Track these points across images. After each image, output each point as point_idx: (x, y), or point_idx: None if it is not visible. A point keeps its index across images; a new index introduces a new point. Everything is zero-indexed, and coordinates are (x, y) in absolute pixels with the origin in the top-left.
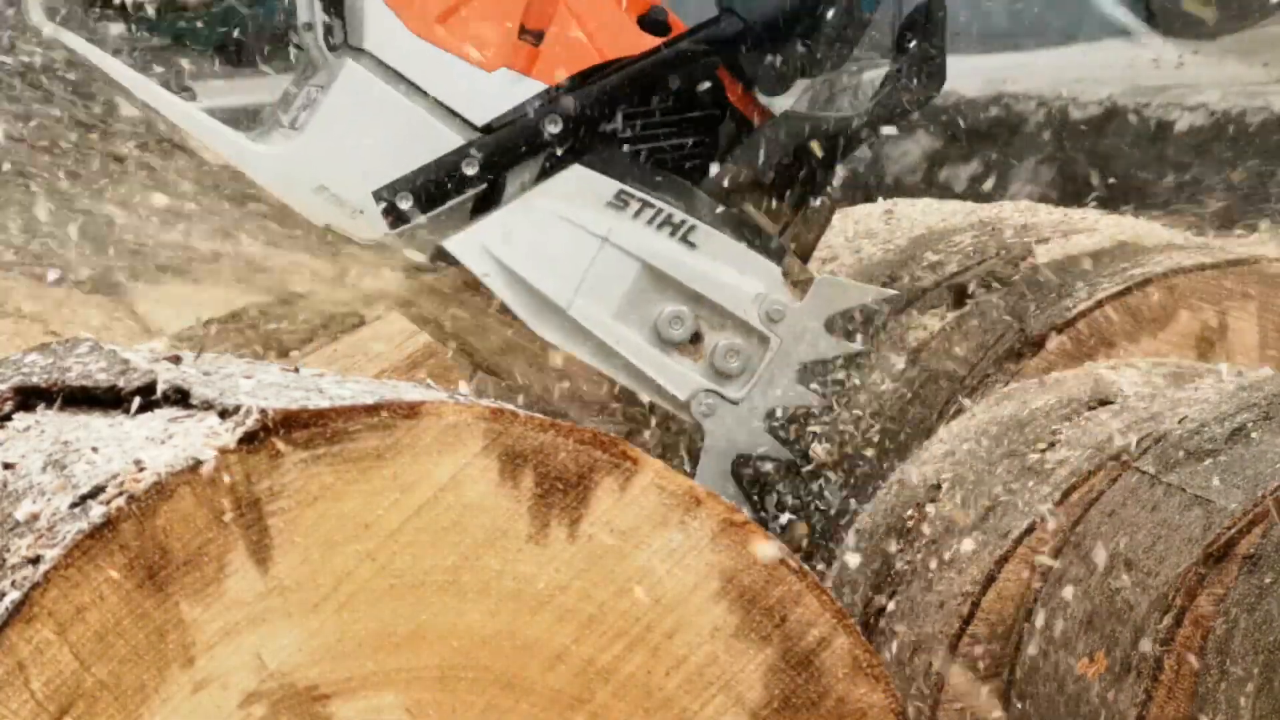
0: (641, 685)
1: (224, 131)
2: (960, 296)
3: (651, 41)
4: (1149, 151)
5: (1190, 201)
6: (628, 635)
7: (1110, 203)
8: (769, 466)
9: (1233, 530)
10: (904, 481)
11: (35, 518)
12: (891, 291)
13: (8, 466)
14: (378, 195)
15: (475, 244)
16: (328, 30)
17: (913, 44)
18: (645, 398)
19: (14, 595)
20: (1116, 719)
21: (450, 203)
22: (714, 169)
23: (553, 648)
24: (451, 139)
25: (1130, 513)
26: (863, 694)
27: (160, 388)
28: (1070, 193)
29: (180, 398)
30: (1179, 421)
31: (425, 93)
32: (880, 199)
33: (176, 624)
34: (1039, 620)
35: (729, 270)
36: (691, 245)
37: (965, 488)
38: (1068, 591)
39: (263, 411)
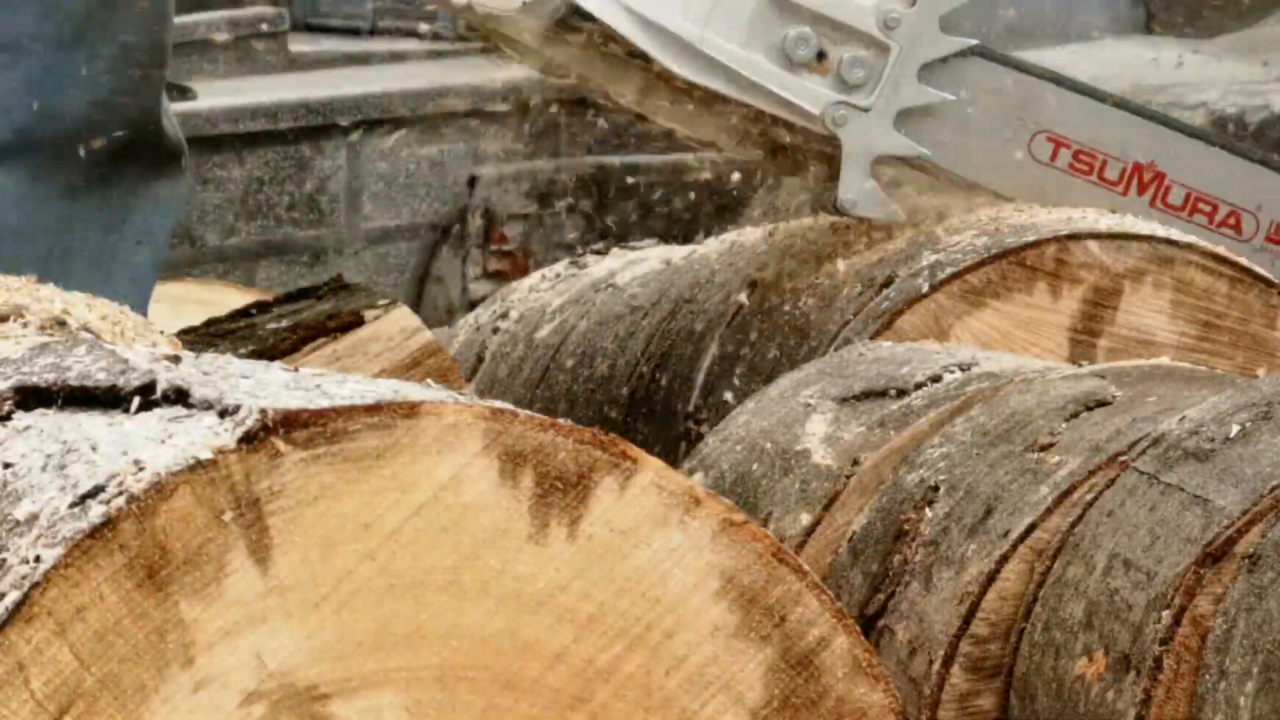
0: (641, 685)
1: None
2: None
3: None
4: None
5: None
6: (627, 635)
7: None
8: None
9: (1232, 530)
10: (901, 483)
11: (35, 518)
12: None
13: (7, 466)
14: None
15: None
16: None
17: None
18: (782, 115)
19: (14, 595)
20: (1116, 719)
21: None
22: None
23: (553, 648)
24: None
25: (1129, 513)
26: (863, 694)
27: (160, 387)
28: None
29: (180, 397)
30: (1178, 421)
31: None
32: None
33: (176, 624)
34: (1039, 620)
35: None
36: None
37: (964, 488)
38: (1067, 592)
39: (263, 411)
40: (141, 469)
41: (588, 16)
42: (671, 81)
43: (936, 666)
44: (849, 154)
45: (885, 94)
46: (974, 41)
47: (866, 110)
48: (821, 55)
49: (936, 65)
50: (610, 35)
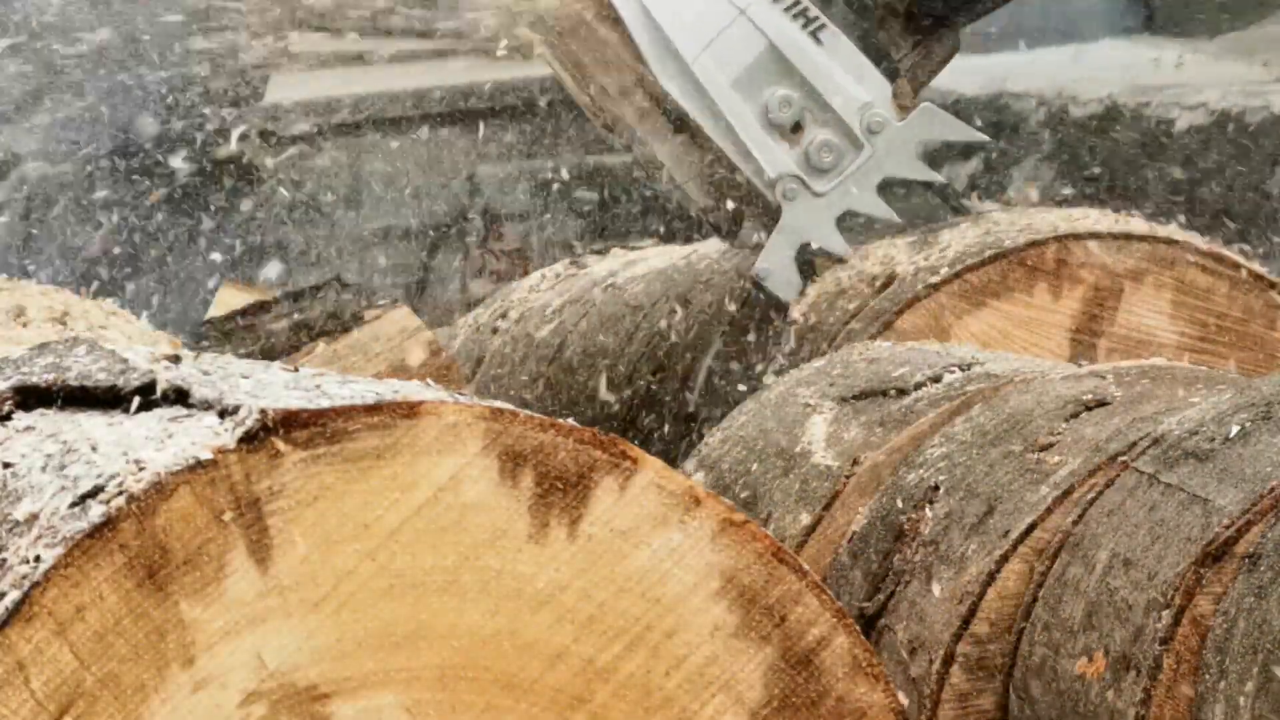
0: (641, 685)
1: None
2: None
3: None
4: (1149, 151)
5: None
6: (627, 635)
7: (1110, 202)
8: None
9: (1231, 530)
10: (901, 483)
11: (35, 517)
12: (985, 138)
13: (7, 466)
14: None
15: None
16: None
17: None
18: (738, 164)
19: (14, 595)
20: (1116, 719)
21: None
22: None
23: (553, 647)
24: None
25: (1129, 512)
26: (862, 693)
27: (160, 387)
28: (1070, 192)
29: (180, 397)
30: (1177, 421)
31: None
32: None
33: (176, 624)
34: (1039, 620)
35: (844, 74)
36: (818, 41)
37: (964, 488)
38: (1067, 591)
39: (262, 411)
40: (142, 469)
41: None
42: (653, 93)
43: (936, 666)
44: (782, 228)
45: (841, 189)
46: (943, 180)
47: (818, 196)
48: (798, 127)
49: (896, 183)
50: (608, 16)
